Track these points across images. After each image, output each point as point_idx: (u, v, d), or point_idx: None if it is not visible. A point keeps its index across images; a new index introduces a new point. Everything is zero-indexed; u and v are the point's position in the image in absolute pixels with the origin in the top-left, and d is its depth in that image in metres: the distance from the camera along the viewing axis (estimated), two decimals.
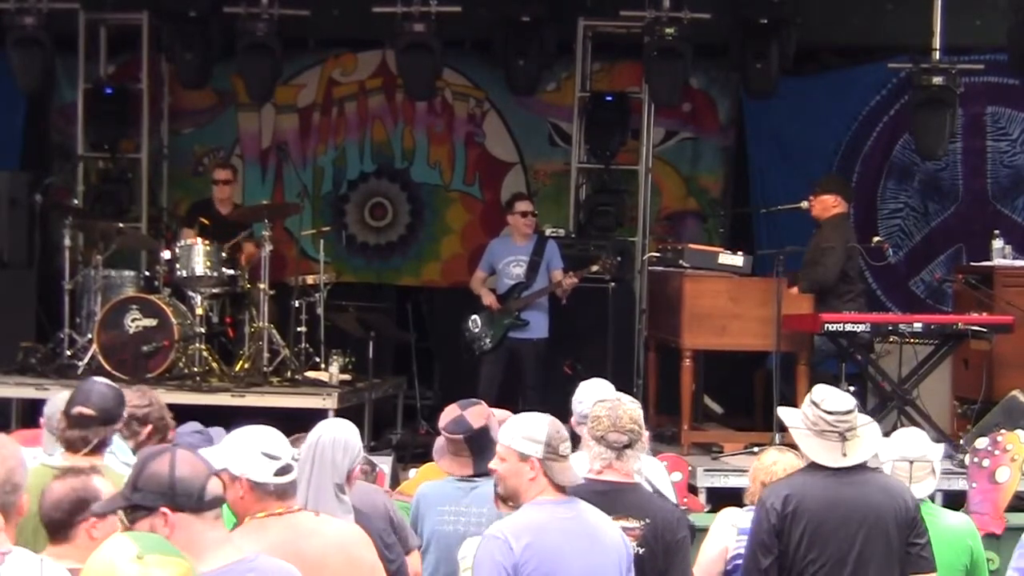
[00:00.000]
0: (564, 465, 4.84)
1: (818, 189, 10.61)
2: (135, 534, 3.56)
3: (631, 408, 5.35)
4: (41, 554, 4.54)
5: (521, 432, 4.89)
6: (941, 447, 6.38)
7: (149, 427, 5.99)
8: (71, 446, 5.39)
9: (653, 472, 6.19)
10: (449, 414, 5.94)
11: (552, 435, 4.84)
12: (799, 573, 5.41)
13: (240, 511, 4.54)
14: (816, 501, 5.42)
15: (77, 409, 5.40)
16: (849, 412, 5.49)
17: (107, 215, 12.16)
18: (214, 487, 3.77)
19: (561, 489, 4.85)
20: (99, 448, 5.43)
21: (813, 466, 5.53)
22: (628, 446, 5.27)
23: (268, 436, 4.60)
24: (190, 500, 3.70)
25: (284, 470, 4.52)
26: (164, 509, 3.69)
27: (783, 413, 5.72)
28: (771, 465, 6.02)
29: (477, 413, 5.92)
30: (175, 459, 3.74)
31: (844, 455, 5.45)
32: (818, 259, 10.38)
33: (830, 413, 5.47)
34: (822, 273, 10.31)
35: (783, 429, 9.63)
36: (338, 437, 5.05)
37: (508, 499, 5.01)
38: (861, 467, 5.55)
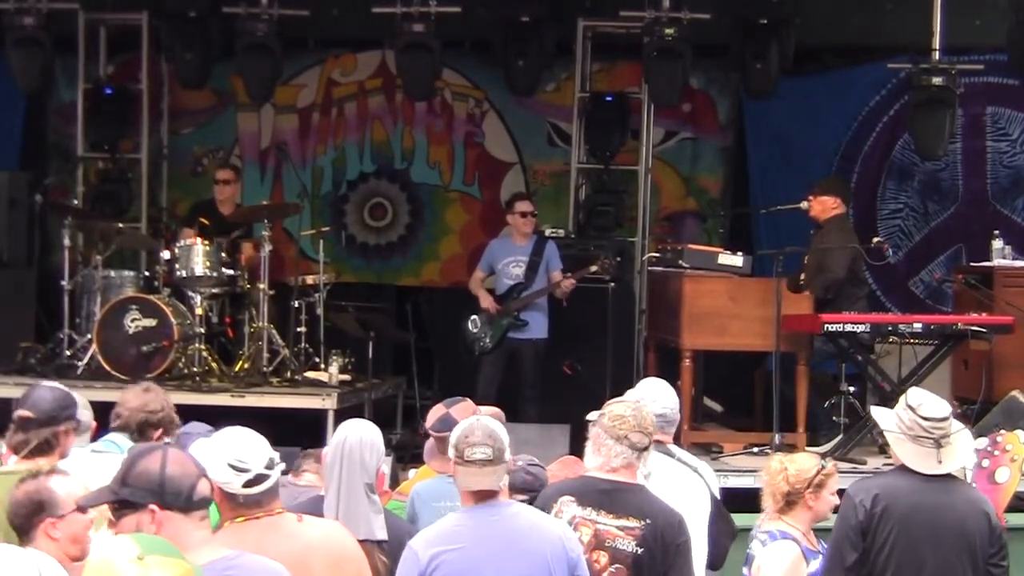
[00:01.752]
0: (468, 470, 4.80)
1: (817, 190, 10.61)
2: (136, 535, 3.56)
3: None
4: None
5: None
6: (973, 452, 6.35)
7: (161, 430, 5.97)
8: (15, 450, 5.41)
9: (707, 472, 6.21)
10: (435, 413, 5.97)
11: (460, 439, 4.84)
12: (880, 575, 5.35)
13: (221, 515, 4.53)
14: (906, 504, 5.35)
15: (18, 412, 5.45)
16: (945, 419, 5.43)
17: (107, 215, 12.16)
18: (203, 487, 3.78)
19: (484, 495, 4.81)
20: (44, 450, 5.41)
21: (903, 469, 5.46)
22: (646, 448, 5.30)
23: (241, 444, 4.49)
24: (178, 499, 3.71)
25: (255, 481, 4.42)
26: (152, 506, 3.70)
27: (876, 414, 5.65)
28: (782, 462, 5.96)
29: (462, 410, 5.93)
30: (166, 457, 3.75)
31: (939, 462, 5.39)
32: (823, 263, 10.37)
33: (927, 419, 5.40)
34: (831, 277, 10.31)
35: (784, 430, 9.69)
36: (364, 438, 5.08)
37: None
38: (949, 476, 5.48)
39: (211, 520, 5.02)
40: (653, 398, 6.03)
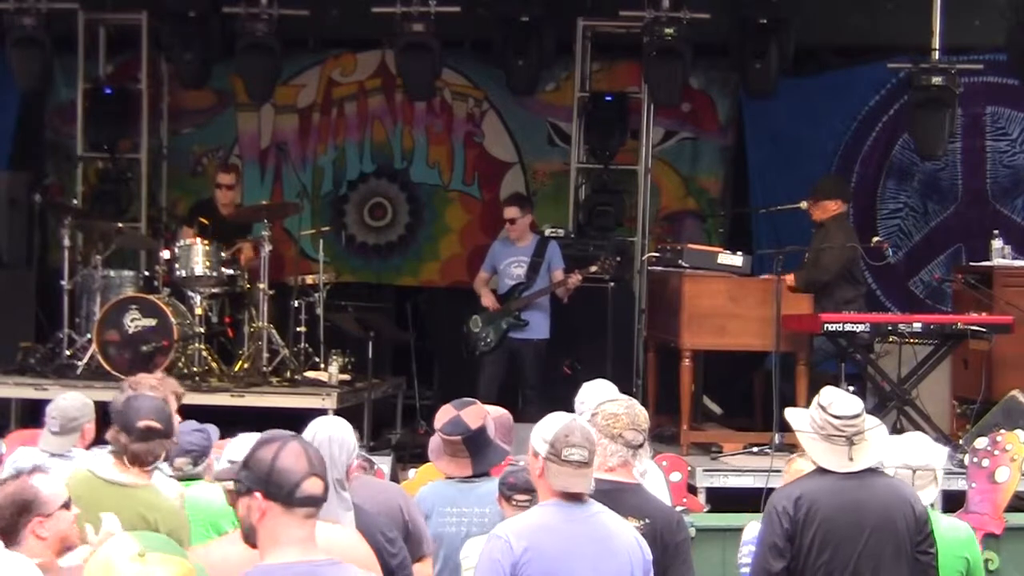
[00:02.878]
0: (564, 470, 4.73)
1: (817, 194, 10.58)
2: (138, 532, 3.56)
3: (642, 409, 5.38)
4: None
5: (539, 428, 4.87)
6: (945, 452, 6.34)
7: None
8: (137, 460, 5.35)
9: (650, 474, 6.17)
10: (445, 415, 5.91)
11: (559, 436, 4.76)
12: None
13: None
14: (829, 504, 5.36)
15: (145, 422, 5.36)
16: (856, 416, 5.43)
17: (106, 215, 12.17)
18: (310, 486, 3.77)
19: (572, 495, 4.76)
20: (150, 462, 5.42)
21: (821, 470, 5.47)
22: (640, 446, 5.29)
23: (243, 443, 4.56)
24: (281, 492, 3.73)
25: None
26: (257, 493, 3.74)
27: (790, 415, 5.66)
28: (799, 467, 5.95)
29: (474, 413, 5.89)
30: (282, 449, 3.78)
31: (851, 459, 5.40)
32: (817, 259, 10.38)
33: (837, 418, 5.41)
34: (817, 274, 10.31)
35: (784, 429, 9.68)
36: (334, 435, 5.04)
37: (517, 495, 4.98)
38: (869, 470, 5.49)
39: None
40: (583, 400, 6.05)
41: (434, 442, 5.98)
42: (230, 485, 3.99)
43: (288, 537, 3.73)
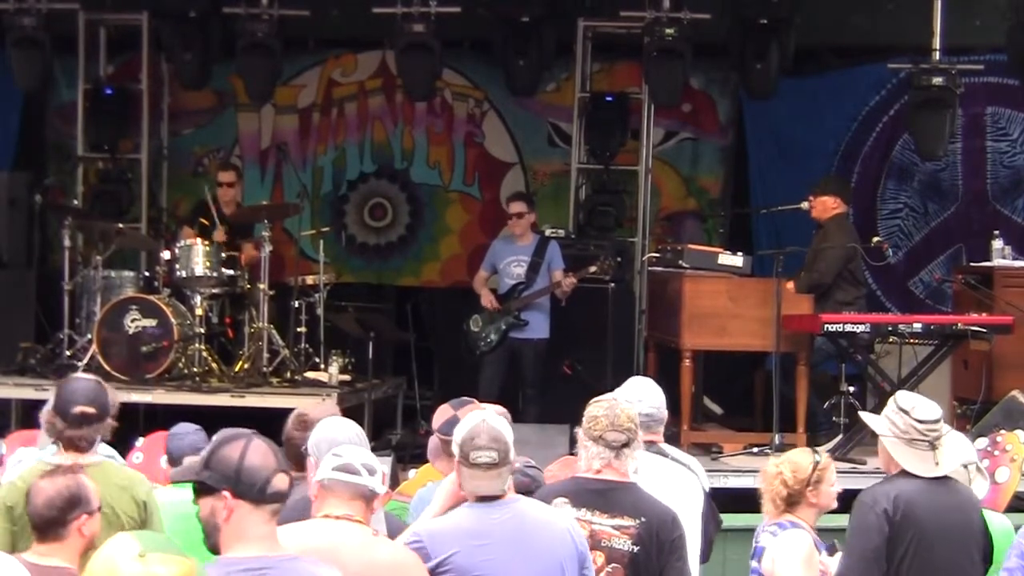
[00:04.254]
0: (473, 473, 4.74)
1: (818, 190, 10.61)
2: (139, 532, 3.57)
3: (627, 407, 5.36)
4: (25, 554, 4.55)
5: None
6: (975, 452, 6.36)
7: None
8: (73, 445, 5.39)
9: (698, 468, 6.20)
10: (443, 415, 5.91)
11: (465, 440, 4.77)
12: None
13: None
14: (921, 508, 5.31)
15: (79, 409, 5.40)
16: (938, 421, 5.41)
17: (107, 215, 12.17)
18: (279, 482, 3.76)
19: (481, 496, 4.76)
20: (86, 447, 5.44)
21: (904, 473, 5.41)
22: (625, 445, 5.26)
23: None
24: (251, 490, 3.71)
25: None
26: (225, 492, 3.71)
27: (869, 420, 5.60)
28: (778, 466, 5.94)
29: (469, 412, 5.90)
30: (248, 447, 3.76)
31: (937, 464, 5.37)
32: (815, 261, 10.38)
33: (922, 422, 5.37)
34: (817, 277, 10.31)
35: (784, 430, 9.69)
36: (352, 435, 5.01)
37: None
38: (946, 476, 5.47)
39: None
40: (639, 398, 6.02)
41: (433, 442, 5.98)
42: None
43: (252, 533, 3.72)
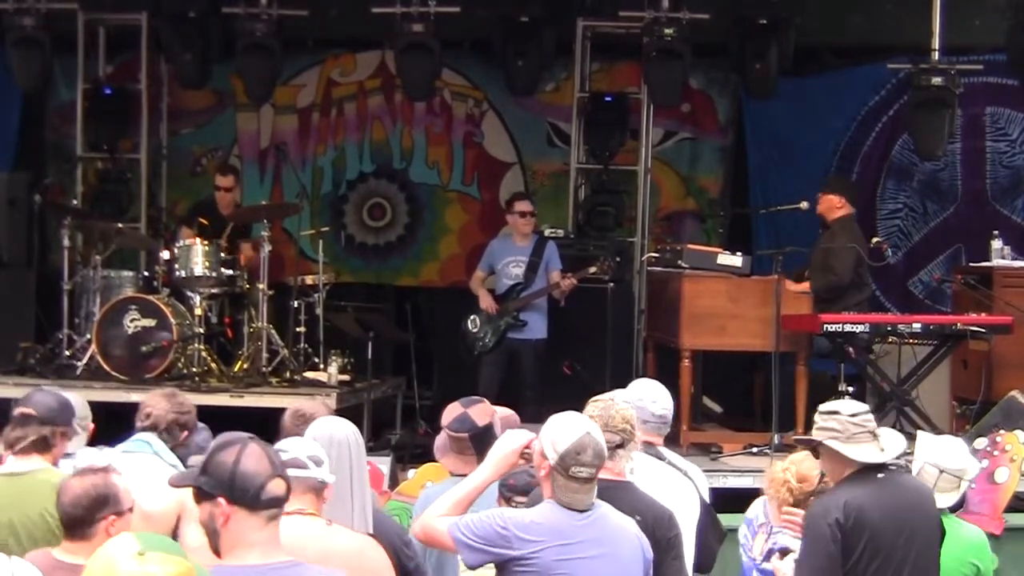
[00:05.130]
0: (570, 486, 4.72)
1: (825, 188, 10.60)
2: (139, 532, 3.57)
3: (623, 408, 5.34)
4: (54, 550, 4.55)
5: (552, 432, 4.83)
6: (978, 464, 6.37)
7: (187, 432, 6.08)
8: (10, 446, 5.45)
9: (696, 475, 6.19)
10: (452, 412, 5.90)
11: (570, 452, 4.72)
12: None
13: None
14: (873, 511, 5.33)
15: (19, 410, 5.55)
16: (868, 412, 5.50)
17: (106, 215, 12.16)
18: (274, 487, 3.74)
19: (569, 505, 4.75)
20: (40, 448, 5.46)
21: (854, 475, 5.43)
22: (620, 446, 5.26)
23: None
24: (245, 496, 3.69)
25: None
26: (220, 499, 3.69)
27: (805, 440, 5.66)
28: (784, 471, 5.95)
29: (481, 411, 5.89)
30: (243, 453, 3.73)
31: (882, 450, 5.43)
32: (829, 263, 10.36)
33: (854, 415, 5.43)
34: (835, 279, 10.30)
35: (783, 430, 9.69)
36: (349, 434, 5.02)
37: (517, 497, 4.97)
38: (897, 472, 5.53)
39: None
40: (652, 399, 6.02)
41: (440, 440, 5.97)
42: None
43: (250, 539, 3.70)
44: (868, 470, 5.40)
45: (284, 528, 4.17)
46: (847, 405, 5.52)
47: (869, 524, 5.29)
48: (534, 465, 4.91)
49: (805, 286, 10.24)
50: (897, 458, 5.54)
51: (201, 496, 3.75)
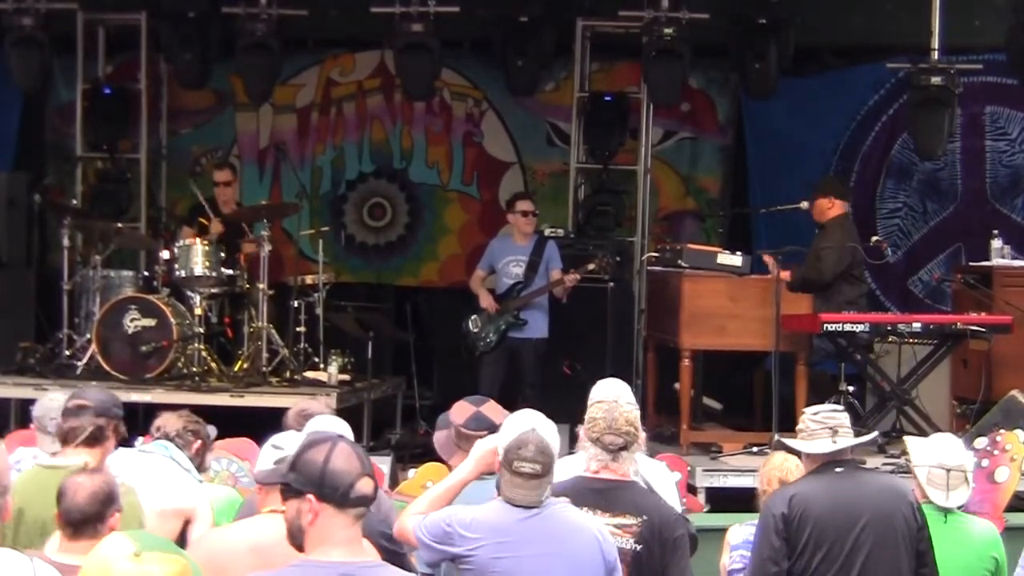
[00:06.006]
0: (514, 481, 4.77)
1: (814, 192, 10.60)
2: (134, 532, 3.57)
3: (627, 410, 5.34)
4: (48, 551, 4.55)
5: (503, 427, 4.91)
6: (972, 455, 6.42)
7: (200, 442, 6.17)
8: (65, 437, 5.49)
9: (654, 474, 6.15)
10: (464, 411, 5.89)
11: (512, 448, 4.79)
12: None
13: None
14: (822, 503, 5.46)
15: (73, 401, 5.59)
16: (834, 411, 5.65)
17: (106, 215, 12.16)
18: (363, 486, 3.77)
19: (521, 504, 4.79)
20: (93, 441, 5.47)
21: (812, 473, 5.59)
22: (623, 448, 5.26)
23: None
24: (335, 493, 3.72)
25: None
26: (310, 496, 3.72)
27: (784, 441, 5.84)
28: (783, 463, 6.01)
29: (493, 409, 5.91)
30: (333, 451, 3.77)
31: (834, 443, 5.53)
32: (815, 260, 10.38)
33: (816, 413, 5.62)
34: (815, 276, 10.30)
35: (782, 429, 9.67)
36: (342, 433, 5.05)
37: None
38: (859, 468, 5.65)
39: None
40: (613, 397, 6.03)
41: (444, 438, 5.93)
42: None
43: (337, 537, 3.74)
44: (828, 465, 5.56)
45: (275, 526, 4.21)
46: (815, 407, 5.73)
47: (814, 516, 5.43)
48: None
49: (806, 295, 10.23)
50: (854, 448, 5.65)
51: (289, 493, 3.79)
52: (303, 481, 3.74)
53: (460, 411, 5.89)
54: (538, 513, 4.78)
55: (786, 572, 5.42)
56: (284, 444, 4.72)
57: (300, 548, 3.78)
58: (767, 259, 10.25)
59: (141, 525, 5.23)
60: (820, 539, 5.41)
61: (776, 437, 6.66)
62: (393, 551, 5.22)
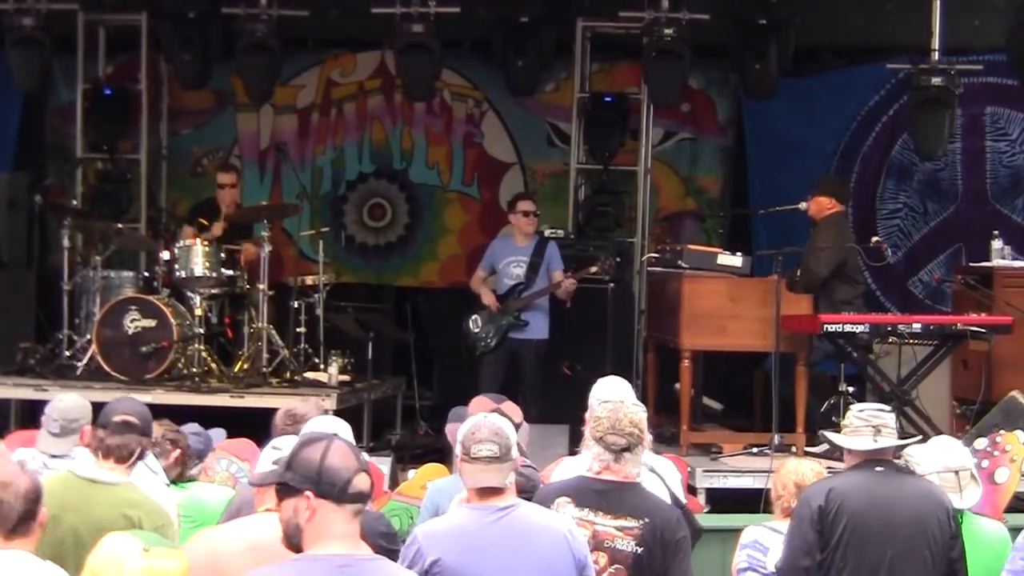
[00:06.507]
0: (474, 467, 4.80)
1: (814, 190, 10.61)
2: (135, 532, 3.58)
3: (632, 411, 5.34)
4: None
5: (460, 431, 4.95)
6: (972, 456, 6.46)
7: (179, 451, 6.24)
8: (112, 453, 5.42)
9: (663, 469, 6.18)
10: (483, 406, 5.93)
11: (467, 435, 4.85)
12: (837, 572, 5.49)
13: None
14: (859, 499, 5.54)
15: (121, 416, 5.47)
16: (881, 410, 5.74)
17: (106, 216, 12.16)
18: (359, 482, 3.81)
19: (488, 492, 4.80)
20: (133, 458, 5.46)
21: (852, 469, 5.69)
22: (626, 449, 5.26)
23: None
24: (333, 489, 3.76)
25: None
26: (308, 492, 3.75)
27: (826, 435, 6.00)
28: (798, 466, 6.05)
29: (511, 408, 5.96)
30: (329, 448, 3.81)
31: (875, 441, 5.62)
32: (807, 260, 10.38)
33: (862, 411, 5.71)
34: (810, 276, 10.31)
35: (783, 430, 9.69)
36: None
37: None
38: (899, 470, 5.73)
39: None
40: (606, 396, 6.04)
41: (455, 431, 5.97)
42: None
43: (334, 532, 3.77)
44: (869, 463, 5.64)
45: (272, 525, 4.21)
46: (861, 404, 5.87)
47: (850, 512, 5.50)
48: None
49: (805, 296, 10.23)
50: (899, 449, 5.77)
51: (284, 494, 3.82)
52: (300, 479, 3.77)
53: (479, 405, 5.94)
54: (504, 515, 4.79)
55: (818, 566, 5.48)
56: (284, 446, 4.73)
57: (297, 548, 3.79)
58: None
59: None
60: (853, 535, 5.48)
61: (819, 432, 6.82)
62: (390, 550, 5.24)
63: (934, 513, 5.58)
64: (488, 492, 4.81)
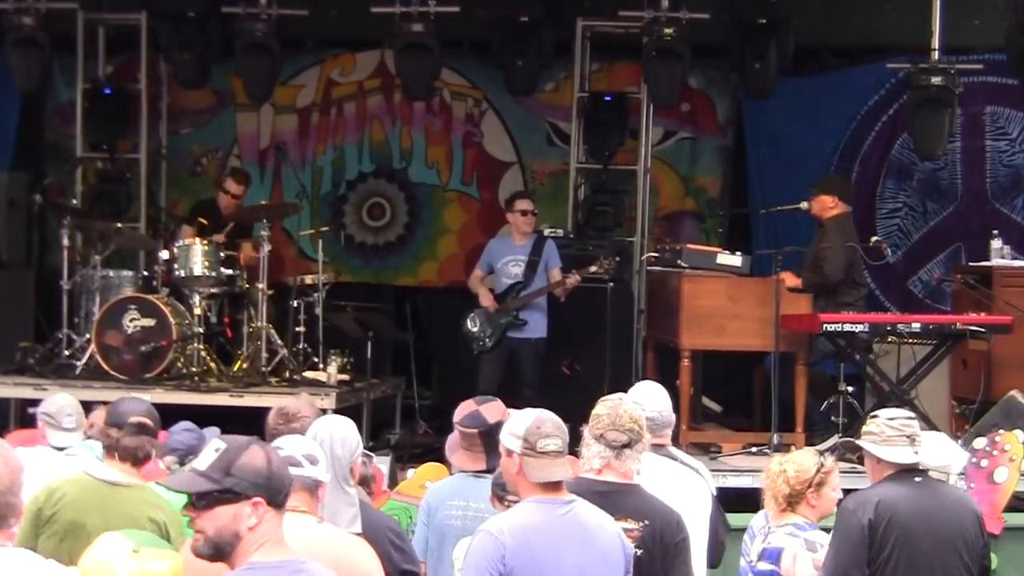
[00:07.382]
0: (541, 462, 4.77)
1: (816, 189, 10.61)
2: (126, 531, 3.56)
3: (632, 408, 5.33)
4: None
5: (508, 427, 4.91)
6: (965, 458, 6.49)
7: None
8: (128, 455, 5.42)
9: (705, 472, 6.23)
10: (464, 409, 5.95)
11: (531, 430, 4.81)
12: None
13: None
14: (907, 513, 5.53)
15: (136, 418, 5.46)
16: (911, 418, 5.72)
17: (105, 215, 12.17)
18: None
19: (551, 487, 4.80)
20: (146, 460, 5.47)
21: (889, 479, 5.65)
22: (627, 446, 5.24)
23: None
24: (278, 496, 3.70)
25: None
26: (258, 498, 3.65)
27: (859, 444, 5.86)
28: (782, 464, 6.01)
29: (493, 409, 5.93)
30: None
31: (916, 453, 5.61)
32: (819, 262, 10.37)
33: (891, 419, 5.67)
34: (824, 275, 10.30)
35: (782, 430, 9.69)
36: (335, 433, 5.07)
37: (510, 495, 5.02)
38: (935, 479, 5.76)
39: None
40: (642, 402, 6.03)
41: (452, 438, 6.00)
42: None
43: (276, 536, 3.69)
44: (905, 473, 5.63)
45: None
46: (888, 411, 5.80)
47: (899, 524, 5.49)
48: (505, 472, 4.91)
49: (798, 281, 10.26)
50: (939, 465, 5.82)
51: (221, 497, 3.65)
52: (248, 485, 3.65)
53: (462, 408, 5.95)
54: (571, 509, 4.80)
55: None
56: (284, 446, 4.70)
57: (221, 558, 3.65)
58: (787, 280, 10.18)
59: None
60: (903, 548, 5.47)
61: (845, 438, 6.75)
62: (401, 547, 5.24)
63: (970, 520, 5.64)
64: (553, 486, 4.80)
